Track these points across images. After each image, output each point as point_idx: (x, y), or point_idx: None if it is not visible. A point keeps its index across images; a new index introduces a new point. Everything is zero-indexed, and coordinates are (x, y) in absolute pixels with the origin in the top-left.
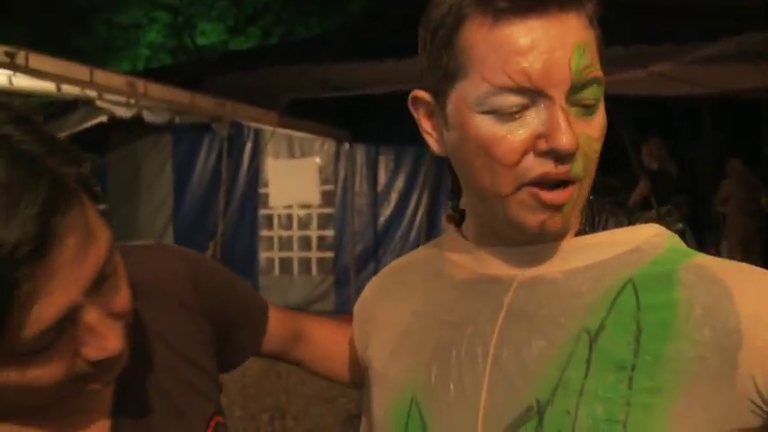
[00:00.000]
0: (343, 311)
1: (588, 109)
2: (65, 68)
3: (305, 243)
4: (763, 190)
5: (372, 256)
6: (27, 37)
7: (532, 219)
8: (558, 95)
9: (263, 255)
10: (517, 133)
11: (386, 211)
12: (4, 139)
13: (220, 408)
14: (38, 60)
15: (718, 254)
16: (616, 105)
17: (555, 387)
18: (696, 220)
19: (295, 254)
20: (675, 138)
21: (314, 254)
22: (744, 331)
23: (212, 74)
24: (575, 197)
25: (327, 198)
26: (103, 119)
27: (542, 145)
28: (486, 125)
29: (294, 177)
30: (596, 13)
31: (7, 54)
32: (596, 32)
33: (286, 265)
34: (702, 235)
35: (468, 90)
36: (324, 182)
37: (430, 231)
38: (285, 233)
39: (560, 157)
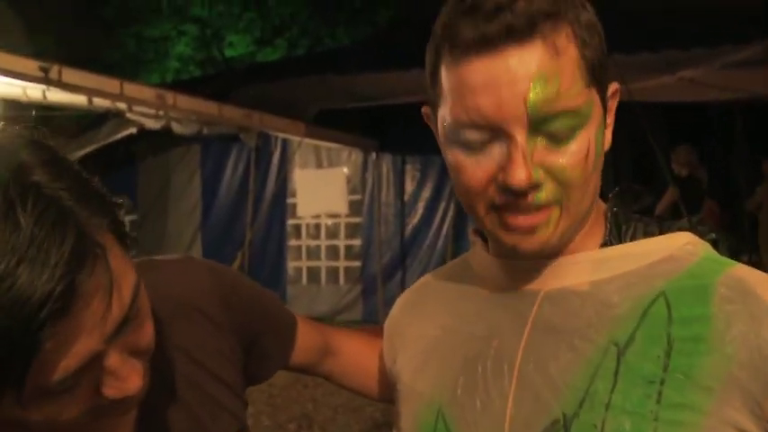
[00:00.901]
0: (370, 321)
1: (561, 136)
2: (96, 82)
3: (332, 252)
4: None
5: (399, 266)
6: (57, 50)
7: (507, 238)
8: (518, 131)
9: (291, 264)
10: (481, 164)
11: (413, 221)
12: (33, 187)
13: (245, 424)
14: (70, 74)
15: (753, 262)
16: (645, 112)
17: (582, 400)
18: (729, 225)
19: (323, 263)
20: (708, 143)
21: (341, 263)
22: None
23: (240, 85)
24: (552, 219)
25: (355, 207)
26: (133, 130)
27: (501, 178)
28: (455, 154)
29: (322, 187)
30: (578, 24)
31: (41, 69)
32: (576, 49)
33: (314, 274)
34: (736, 241)
35: (442, 118)
36: (351, 191)
37: (457, 241)
38: (313, 242)
39: (517, 191)
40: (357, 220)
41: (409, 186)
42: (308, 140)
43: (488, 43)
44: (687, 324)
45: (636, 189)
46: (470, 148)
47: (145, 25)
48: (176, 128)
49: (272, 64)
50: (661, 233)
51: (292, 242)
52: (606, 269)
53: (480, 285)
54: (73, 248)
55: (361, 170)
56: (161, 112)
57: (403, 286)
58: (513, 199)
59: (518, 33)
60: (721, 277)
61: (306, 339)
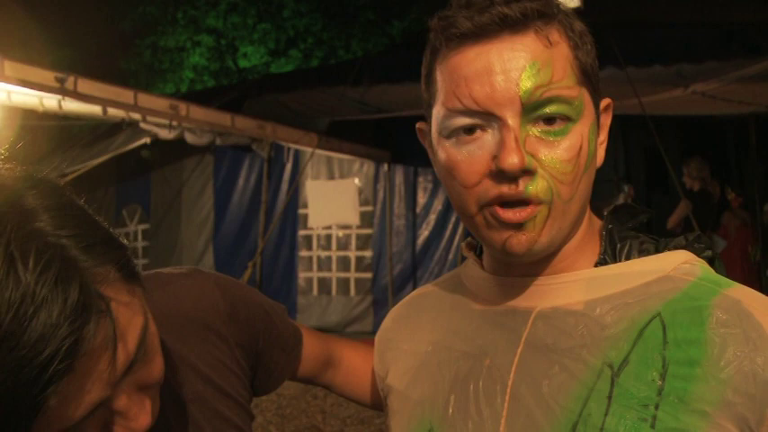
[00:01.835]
0: None
1: (553, 128)
2: (110, 92)
3: (344, 264)
4: None
5: (410, 277)
6: (74, 60)
7: (496, 237)
8: (511, 116)
9: (302, 275)
10: (475, 155)
11: (424, 233)
12: (36, 236)
13: None
14: (86, 85)
15: None
16: (658, 125)
17: (575, 423)
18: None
19: (334, 274)
20: (722, 156)
21: (352, 274)
22: None
23: (253, 96)
24: (541, 217)
25: (366, 219)
26: (147, 140)
27: (494, 166)
28: (448, 149)
29: (333, 198)
30: (570, 28)
31: (57, 79)
32: (568, 47)
33: (325, 285)
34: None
35: (435, 116)
36: (363, 203)
37: None
38: (324, 254)
39: (510, 177)
40: (368, 231)
41: (421, 198)
42: (319, 151)
43: (483, 31)
44: (682, 347)
45: (631, 206)
46: (462, 140)
47: (161, 36)
48: (189, 138)
49: (285, 75)
50: (657, 251)
51: (303, 253)
52: (600, 288)
53: (473, 301)
54: (76, 306)
55: (373, 181)
56: (174, 123)
57: None
58: (506, 189)
59: (512, 22)
60: (717, 299)
61: (310, 351)
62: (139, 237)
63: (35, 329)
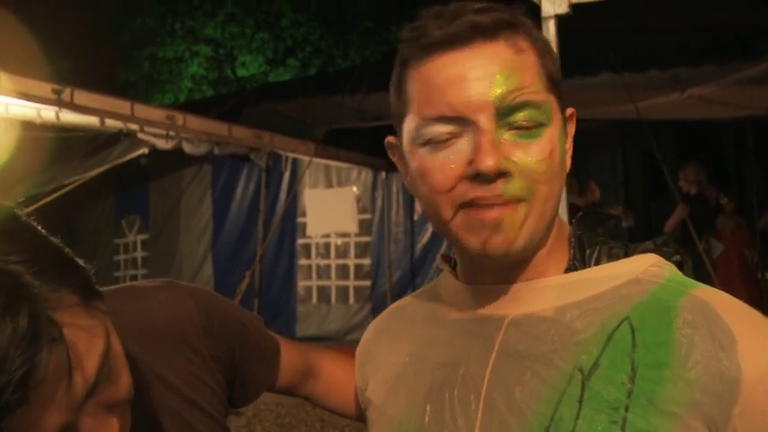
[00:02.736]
0: None
1: (526, 132)
2: (107, 103)
3: (342, 272)
4: None
5: (409, 285)
6: (73, 72)
7: (474, 240)
8: (485, 121)
9: (301, 283)
10: (449, 160)
11: (422, 240)
12: None
13: None
14: (82, 96)
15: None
16: (655, 129)
17: (547, 427)
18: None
19: (333, 282)
20: (720, 160)
21: (351, 282)
22: (743, 389)
23: (251, 105)
24: (519, 216)
25: (365, 227)
26: (145, 151)
27: (470, 170)
28: (423, 156)
29: (332, 206)
30: (535, 38)
31: (54, 91)
32: (535, 55)
33: (324, 293)
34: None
35: (409, 126)
36: (361, 211)
37: None
38: (323, 262)
39: (486, 179)
40: (367, 239)
41: (419, 205)
42: (317, 160)
43: (455, 39)
44: (651, 350)
45: (599, 212)
46: (437, 145)
47: (159, 46)
48: (187, 148)
49: (283, 84)
50: (626, 255)
51: (302, 261)
52: (571, 294)
53: (448, 311)
54: (25, 335)
55: (371, 189)
56: (171, 133)
57: None
58: (483, 191)
59: (483, 30)
60: (684, 300)
61: (289, 362)
62: (138, 247)
63: None
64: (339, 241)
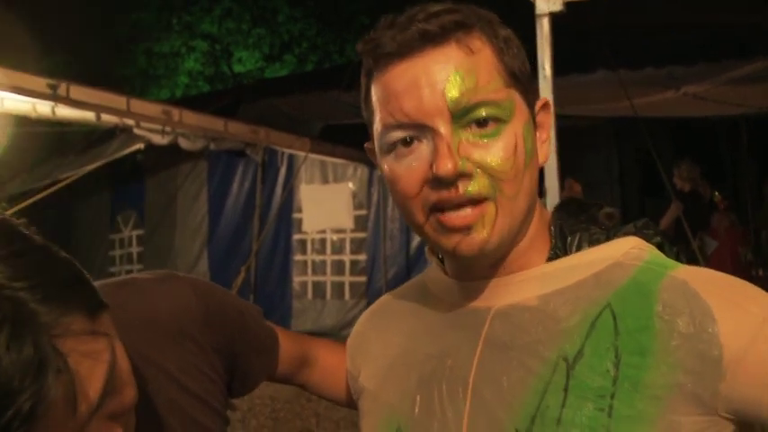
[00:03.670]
0: None
1: (485, 131)
2: (103, 98)
3: (338, 267)
4: None
5: (405, 281)
6: (70, 66)
7: (447, 242)
8: (441, 125)
9: (297, 279)
10: (413, 166)
11: (418, 236)
12: None
13: None
14: (78, 91)
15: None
16: (650, 127)
17: (533, 416)
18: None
19: (328, 278)
20: (715, 158)
21: (347, 278)
22: (727, 366)
23: (248, 101)
24: (488, 216)
25: (360, 223)
26: (141, 146)
27: (431, 173)
28: (390, 163)
29: (327, 202)
30: (493, 35)
31: (50, 86)
32: (492, 53)
33: (319, 289)
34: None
35: (375, 134)
36: (357, 207)
37: None
38: (318, 257)
39: (447, 182)
40: (362, 235)
41: None
42: (313, 156)
43: (407, 48)
44: (633, 336)
45: (581, 200)
46: (400, 153)
47: (155, 41)
48: (183, 143)
49: (280, 79)
50: (608, 240)
51: (298, 257)
52: (553, 282)
53: (436, 305)
54: (30, 367)
55: (367, 185)
56: (167, 128)
57: None
58: (446, 194)
59: (432, 37)
60: (665, 281)
61: (286, 351)
62: (134, 242)
63: None
64: (335, 237)
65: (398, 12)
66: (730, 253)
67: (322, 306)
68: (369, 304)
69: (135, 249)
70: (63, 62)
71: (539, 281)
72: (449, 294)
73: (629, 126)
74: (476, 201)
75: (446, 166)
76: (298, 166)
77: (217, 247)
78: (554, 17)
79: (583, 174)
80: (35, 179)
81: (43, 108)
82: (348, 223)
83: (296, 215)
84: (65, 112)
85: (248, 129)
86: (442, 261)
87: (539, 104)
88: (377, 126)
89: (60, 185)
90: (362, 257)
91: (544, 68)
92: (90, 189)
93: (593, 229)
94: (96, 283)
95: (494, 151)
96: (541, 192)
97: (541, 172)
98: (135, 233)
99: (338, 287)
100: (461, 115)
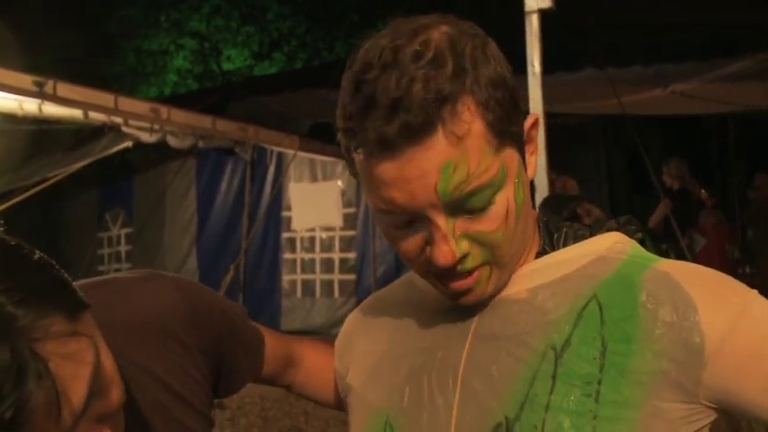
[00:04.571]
0: None
1: (479, 209)
2: (91, 96)
3: (327, 265)
4: None
5: (394, 279)
6: (58, 63)
7: (446, 293)
8: (435, 215)
9: (286, 277)
10: (411, 238)
11: None
12: None
13: None
14: (65, 89)
15: (750, 273)
16: (639, 125)
17: (522, 403)
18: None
19: (317, 276)
20: (704, 156)
21: (336, 276)
22: (708, 354)
23: (237, 99)
24: (485, 276)
25: (350, 221)
26: (129, 144)
27: (427, 254)
28: (384, 226)
29: (317, 200)
30: (480, 101)
31: (36, 83)
32: (480, 122)
33: (308, 287)
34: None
35: (365, 196)
36: (346, 204)
37: None
38: (308, 256)
39: (443, 269)
40: (352, 233)
41: None
42: (302, 154)
43: (390, 145)
44: (618, 325)
45: (561, 196)
46: (395, 226)
47: (144, 39)
48: (172, 141)
49: (269, 77)
50: (592, 236)
51: (287, 255)
52: (542, 276)
53: (424, 299)
54: (10, 373)
55: (356, 183)
56: (156, 126)
57: None
58: (443, 272)
59: (417, 131)
60: (648, 273)
61: (272, 352)
62: (123, 241)
63: None
64: (324, 235)
65: (388, 9)
66: (718, 250)
67: (311, 304)
68: (358, 302)
69: (123, 248)
70: (51, 59)
71: (527, 275)
72: (437, 290)
73: (618, 124)
74: (472, 271)
75: (445, 258)
76: (287, 164)
77: (206, 245)
78: (543, 14)
79: (572, 171)
80: (22, 177)
81: (30, 106)
82: (337, 221)
83: (285, 213)
84: (52, 109)
85: (237, 127)
86: None
87: (529, 123)
88: (366, 196)
89: (48, 184)
90: (352, 255)
91: (533, 66)
92: (78, 187)
93: (577, 225)
94: (77, 283)
95: (487, 225)
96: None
97: None
98: (123, 231)
99: (327, 285)
100: (457, 205)
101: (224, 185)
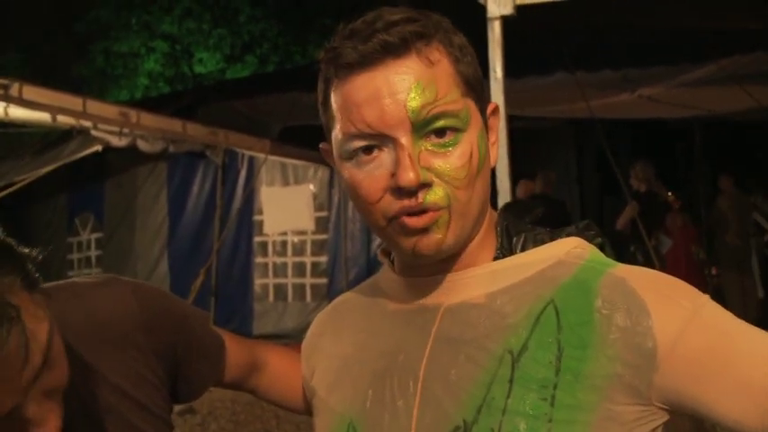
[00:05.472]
0: None
1: (444, 141)
2: (58, 99)
3: (299, 269)
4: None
5: None
6: (27, 65)
7: (405, 243)
8: (403, 136)
9: (258, 281)
10: (374, 175)
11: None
12: None
13: None
14: (31, 92)
15: (716, 275)
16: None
17: (480, 406)
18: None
19: (289, 280)
20: (671, 159)
21: (308, 280)
22: (660, 357)
23: (208, 102)
24: (443, 220)
25: (321, 224)
26: (98, 148)
27: (393, 183)
28: (349, 171)
29: (288, 204)
30: (449, 44)
31: (1, 86)
32: (449, 63)
33: (281, 291)
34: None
35: (335, 139)
36: (318, 208)
37: None
38: (279, 260)
39: (408, 192)
40: (324, 236)
41: None
42: (273, 158)
43: (367, 60)
44: (575, 330)
45: (525, 202)
46: (361, 161)
47: (114, 41)
48: (142, 145)
49: (239, 81)
50: (552, 240)
51: (259, 259)
52: (500, 280)
53: (388, 303)
54: None
55: (328, 187)
56: (125, 130)
57: None
58: (407, 202)
59: (393, 48)
60: (604, 279)
61: (234, 357)
62: (92, 246)
63: None
64: (296, 239)
65: (361, 13)
66: (684, 252)
67: (283, 308)
68: None
69: (93, 252)
70: (18, 60)
71: (486, 279)
72: (400, 292)
73: (588, 127)
74: (431, 209)
75: (409, 177)
76: (258, 167)
77: (177, 249)
78: (509, 21)
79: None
80: None
81: None
82: (309, 225)
83: (257, 217)
84: (18, 112)
85: (207, 131)
86: (393, 261)
87: (489, 109)
88: (336, 133)
89: (15, 188)
90: (324, 259)
91: (495, 71)
92: (47, 191)
93: (538, 230)
94: None
95: (452, 161)
96: (494, 193)
97: (493, 173)
98: (93, 236)
99: (299, 289)
100: (422, 126)
101: (195, 189)
